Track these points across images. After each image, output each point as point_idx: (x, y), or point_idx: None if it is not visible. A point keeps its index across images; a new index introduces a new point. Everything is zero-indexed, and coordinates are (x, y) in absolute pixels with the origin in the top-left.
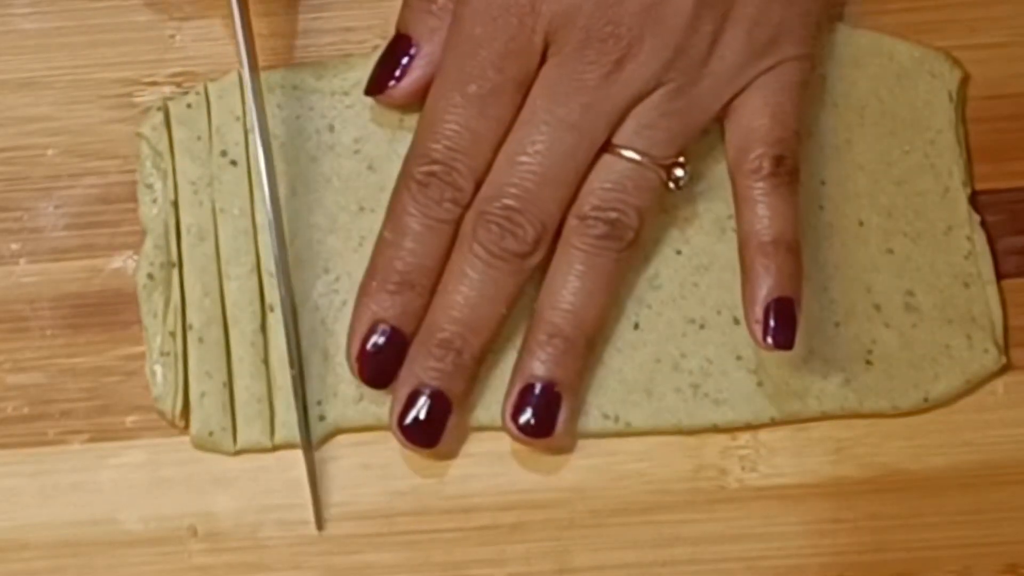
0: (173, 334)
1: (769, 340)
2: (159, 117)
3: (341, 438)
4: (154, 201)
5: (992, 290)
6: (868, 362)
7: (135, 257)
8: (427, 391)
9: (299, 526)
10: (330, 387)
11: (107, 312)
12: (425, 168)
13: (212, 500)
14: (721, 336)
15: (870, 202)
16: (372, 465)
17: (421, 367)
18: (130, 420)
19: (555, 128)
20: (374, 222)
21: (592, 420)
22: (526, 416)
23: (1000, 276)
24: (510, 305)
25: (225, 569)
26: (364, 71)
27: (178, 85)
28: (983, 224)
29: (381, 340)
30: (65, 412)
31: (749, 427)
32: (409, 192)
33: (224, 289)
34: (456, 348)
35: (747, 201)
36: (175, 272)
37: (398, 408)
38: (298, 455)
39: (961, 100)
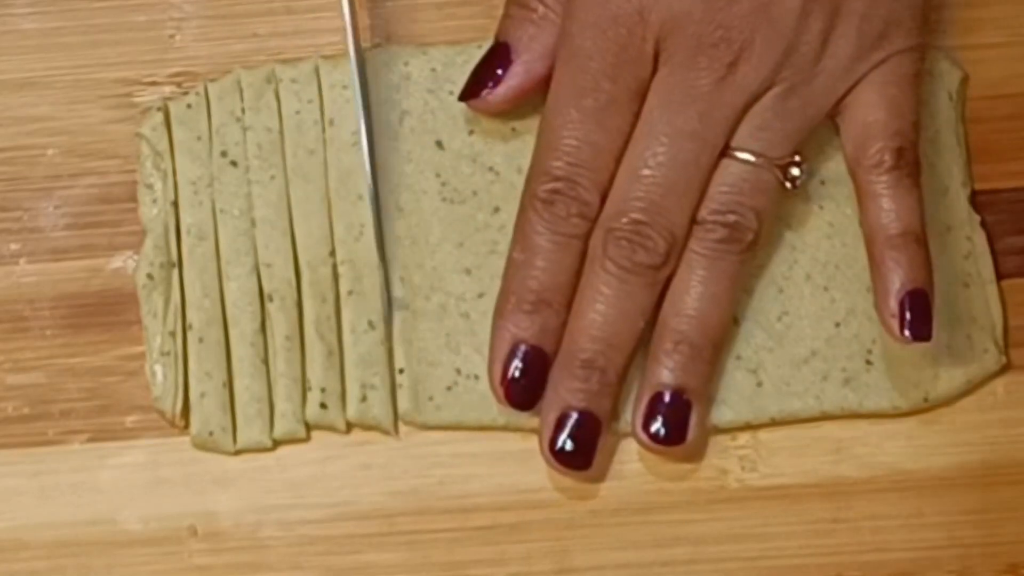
0: (173, 334)
1: (907, 333)
2: (159, 117)
3: (341, 438)
4: (154, 201)
5: (992, 290)
6: (868, 362)
7: (135, 257)
8: (575, 413)
9: (299, 526)
10: (332, 383)
11: (107, 312)
12: (549, 186)
13: (212, 500)
14: None
15: None
16: (372, 465)
17: (567, 390)
18: (130, 420)
19: (674, 138)
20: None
21: None
22: (657, 425)
23: (1000, 276)
24: (647, 317)
25: (225, 569)
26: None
27: (178, 85)
28: (983, 224)
29: (523, 362)
30: (65, 412)
31: (749, 427)
32: (535, 211)
33: (224, 289)
34: (600, 367)
35: (871, 196)
36: (175, 272)
37: (548, 433)
38: (298, 455)
39: (961, 100)
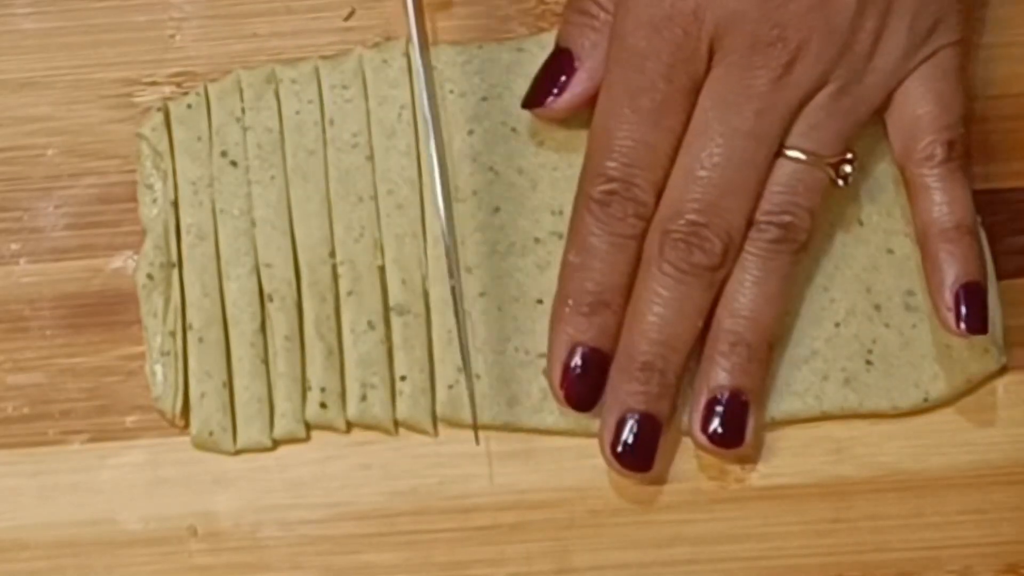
0: (173, 334)
1: (963, 326)
2: (159, 117)
3: (341, 438)
4: (154, 201)
5: (992, 290)
6: (868, 362)
7: (135, 257)
8: (635, 416)
9: (299, 526)
10: (332, 383)
11: (107, 312)
12: (604, 187)
13: (212, 500)
14: None
15: (870, 201)
16: (372, 465)
17: (626, 392)
18: (130, 420)
19: (730, 138)
20: (372, 211)
21: (592, 420)
22: (715, 426)
23: (1000, 276)
24: (704, 318)
25: (225, 569)
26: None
27: (178, 85)
28: (983, 224)
29: (583, 363)
30: (65, 412)
31: None
32: (591, 213)
33: (224, 289)
34: (659, 369)
35: (923, 189)
36: (175, 272)
37: (609, 436)
38: (298, 455)
39: None
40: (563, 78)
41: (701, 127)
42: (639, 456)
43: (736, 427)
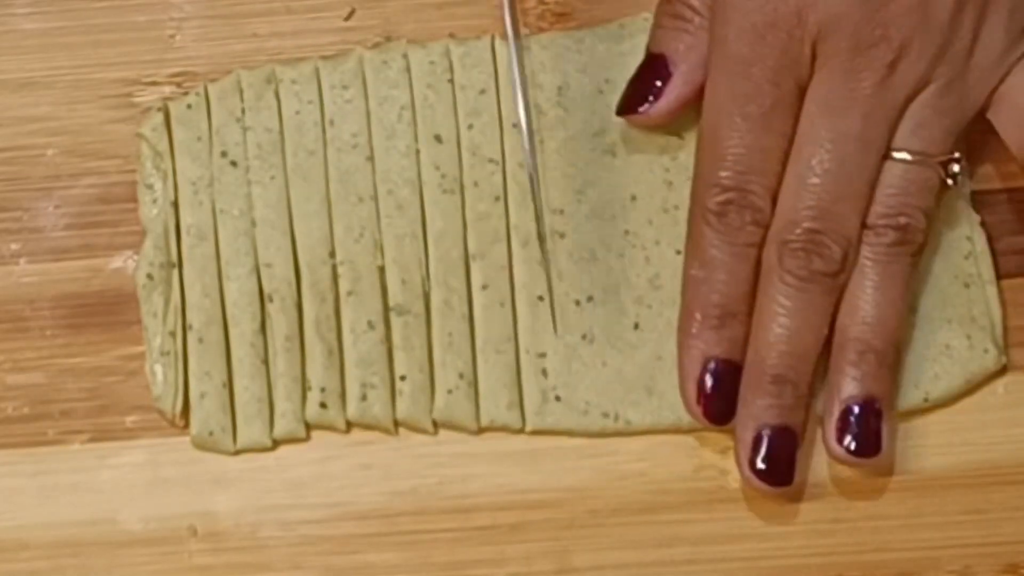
0: (173, 334)
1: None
2: (159, 118)
3: (341, 438)
4: (154, 201)
5: (992, 290)
6: None
7: (135, 257)
8: (770, 430)
9: (299, 526)
10: (332, 383)
11: (107, 312)
12: (720, 197)
13: (212, 500)
14: None
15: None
16: (372, 465)
17: (760, 407)
18: (130, 420)
19: (840, 143)
20: (372, 211)
21: (592, 419)
22: (850, 438)
23: (1000, 276)
24: (829, 324)
25: (225, 569)
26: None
27: (178, 85)
28: (983, 224)
29: (717, 377)
30: (65, 412)
31: None
32: (709, 224)
33: (224, 289)
34: (791, 380)
35: None
36: (175, 272)
37: (746, 453)
38: (298, 455)
39: None
40: (659, 83)
41: (809, 134)
42: (779, 471)
43: (873, 437)
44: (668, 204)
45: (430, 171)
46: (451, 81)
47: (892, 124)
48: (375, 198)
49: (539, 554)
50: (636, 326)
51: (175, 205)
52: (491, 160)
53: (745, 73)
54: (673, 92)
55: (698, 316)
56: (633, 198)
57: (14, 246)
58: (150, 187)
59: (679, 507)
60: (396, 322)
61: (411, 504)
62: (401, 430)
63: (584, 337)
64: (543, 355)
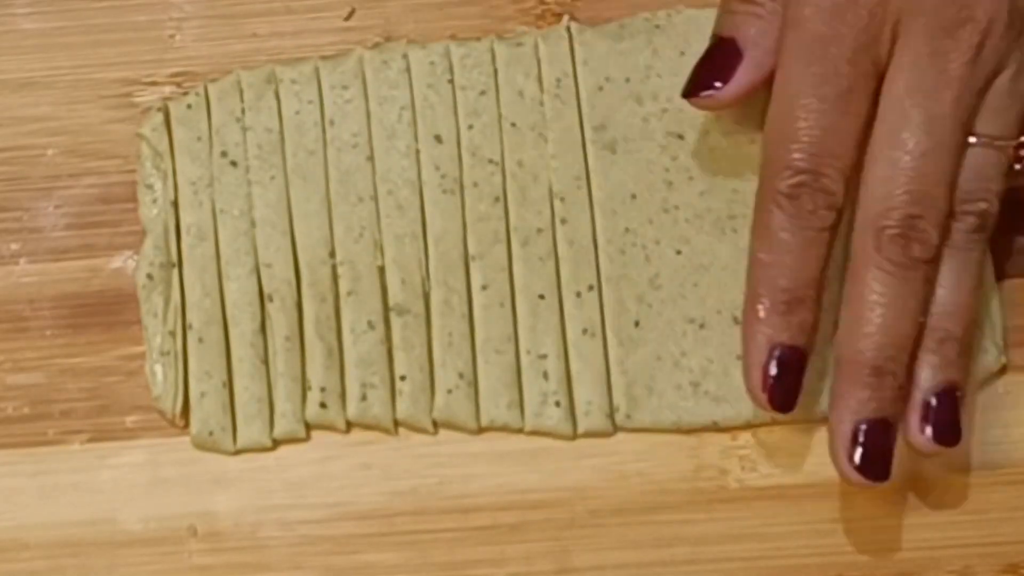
0: (173, 334)
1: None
2: (159, 118)
3: (341, 438)
4: (154, 201)
5: (992, 290)
6: None
7: (135, 257)
8: (868, 424)
9: (299, 526)
10: (332, 383)
11: (107, 312)
12: (792, 180)
13: (212, 500)
14: (721, 336)
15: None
16: (372, 465)
17: (858, 401)
18: (130, 420)
19: (932, 124)
20: (372, 211)
21: (593, 418)
22: (932, 427)
23: (1000, 276)
24: (926, 311)
25: (225, 569)
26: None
27: (178, 85)
28: None
29: (782, 364)
30: (65, 412)
31: (749, 426)
32: (779, 208)
33: (224, 289)
34: (891, 371)
35: None
36: (175, 272)
37: (844, 449)
38: (298, 455)
39: None
40: (728, 67)
41: (897, 114)
42: (879, 465)
43: (952, 424)
44: (668, 204)
45: (430, 171)
46: (451, 82)
47: (977, 107)
48: (375, 198)
49: (539, 554)
50: (636, 324)
51: (175, 205)
52: (491, 161)
53: (822, 53)
54: (744, 76)
55: (765, 301)
56: (633, 196)
57: (14, 246)
58: (150, 187)
59: (679, 507)
60: (396, 322)
61: (411, 504)
62: (401, 430)
63: (585, 332)
64: (544, 356)
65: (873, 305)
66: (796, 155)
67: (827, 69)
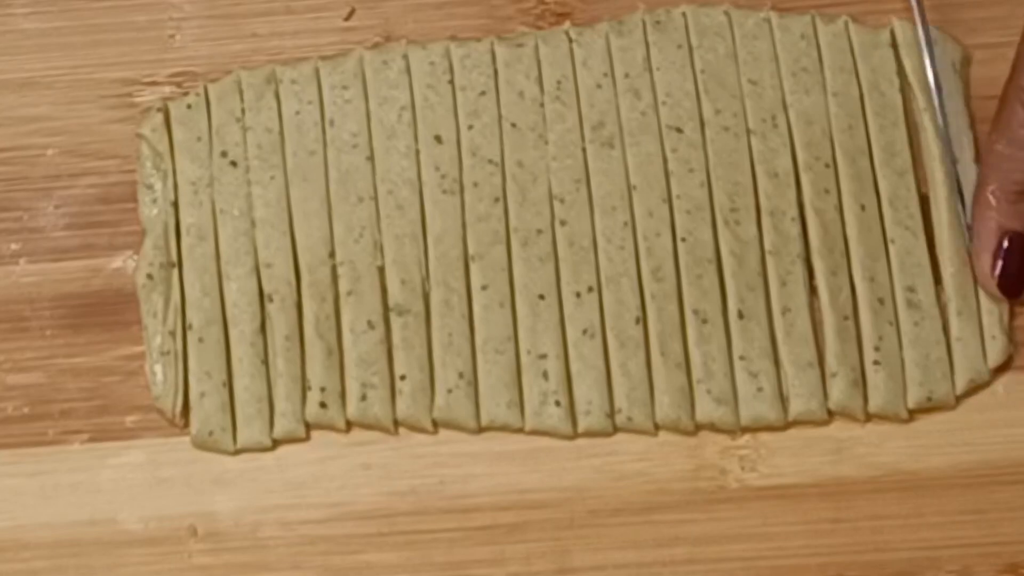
0: (173, 334)
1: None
2: (159, 118)
3: (341, 438)
4: (154, 201)
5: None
6: (876, 362)
7: (135, 257)
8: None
9: (299, 526)
10: (332, 383)
11: (107, 312)
12: None
13: (212, 500)
14: (723, 332)
15: (871, 187)
16: (372, 465)
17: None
18: (130, 420)
19: None
20: (372, 212)
21: (593, 417)
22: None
23: None
24: None
25: (225, 569)
26: None
27: (178, 85)
28: None
29: (1014, 250)
30: (65, 412)
31: (749, 427)
32: (1023, 106)
33: (224, 289)
34: None
35: None
36: (175, 272)
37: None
38: (298, 455)
39: (965, 71)
40: None
41: None
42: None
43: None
44: (669, 195)
45: (430, 172)
46: (451, 82)
47: None
48: (375, 198)
49: (539, 554)
50: (637, 321)
51: (175, 205)
52: (491, 161)
53: None
54: None
55: (997, 191)
56: (633, 188)
57: (14, 246)
58: (150, 187)
59: (679, 507)
60: (396, 322)
61: (411, 504)
62: (401, 430)
63: (585, 332)
64: (544, 356)
65: None
66: None
67: None
